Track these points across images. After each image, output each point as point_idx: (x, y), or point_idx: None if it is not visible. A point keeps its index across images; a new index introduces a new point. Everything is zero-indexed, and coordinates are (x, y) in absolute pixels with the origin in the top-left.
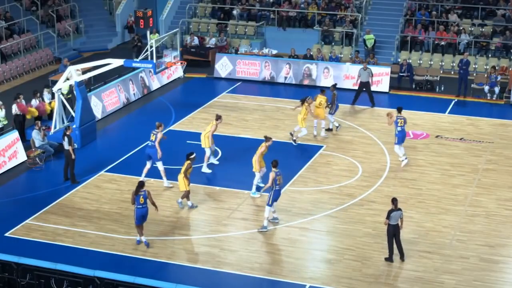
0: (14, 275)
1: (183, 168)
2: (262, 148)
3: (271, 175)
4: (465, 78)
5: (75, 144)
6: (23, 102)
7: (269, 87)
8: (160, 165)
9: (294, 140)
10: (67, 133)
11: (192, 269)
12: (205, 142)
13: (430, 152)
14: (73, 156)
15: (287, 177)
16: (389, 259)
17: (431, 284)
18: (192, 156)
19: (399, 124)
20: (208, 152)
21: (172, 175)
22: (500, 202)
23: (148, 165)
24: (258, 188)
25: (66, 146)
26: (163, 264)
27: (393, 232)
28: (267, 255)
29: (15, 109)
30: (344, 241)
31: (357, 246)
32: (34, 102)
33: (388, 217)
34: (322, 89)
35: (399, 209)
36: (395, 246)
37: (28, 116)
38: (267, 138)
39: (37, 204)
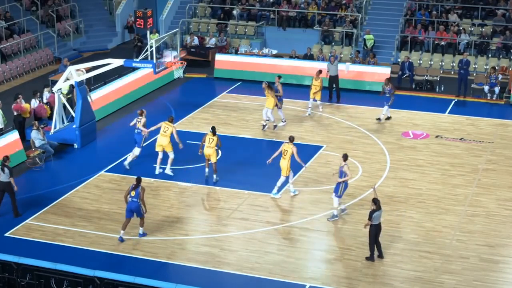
0: (14, 275)
1: (214, 142)
2: (294, 148)
3: (346, 168)
4: (465, 78)
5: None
6: (23, 102)
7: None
8: (136, 151)
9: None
10: (6, 163)
11: (192, 269)
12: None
13: (430, 152)
14: (15, 188)
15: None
16: (371, 258)
17: (431, 284)
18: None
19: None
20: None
21: (175, 174)
22: (500, 202)
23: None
24: (280, 189)
25: (4, 178)
26: (163, 264)
27: (376, 232)
28: (267, 255)
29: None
30: (344, 241)
31: (357, 246)
32: (34, 102)
33: (370, 218)
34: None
35: (380, 208)
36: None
37: (26, 115)
38: (292, 138)
39: (37, 204)
